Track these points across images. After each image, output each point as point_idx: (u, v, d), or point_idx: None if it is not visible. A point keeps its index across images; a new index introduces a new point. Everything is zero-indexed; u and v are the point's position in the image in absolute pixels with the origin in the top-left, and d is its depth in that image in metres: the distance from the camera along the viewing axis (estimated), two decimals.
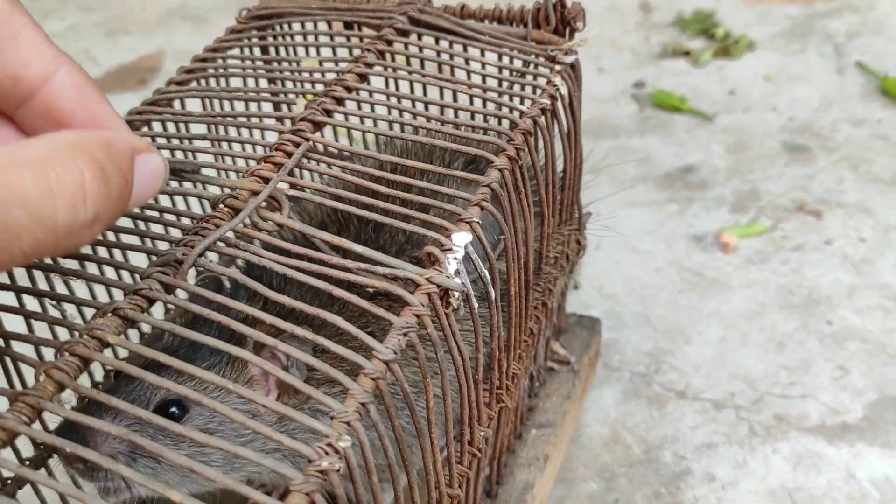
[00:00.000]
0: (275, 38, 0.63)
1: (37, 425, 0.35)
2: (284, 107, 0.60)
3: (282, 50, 0.63)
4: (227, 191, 0.45)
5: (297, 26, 0.63)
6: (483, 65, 0.57)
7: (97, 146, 0.32)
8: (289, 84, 0.56)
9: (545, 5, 0.58)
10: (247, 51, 0.62)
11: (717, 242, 0.89)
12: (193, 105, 0.59)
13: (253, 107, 0.61)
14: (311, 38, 0.63)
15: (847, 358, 0.77)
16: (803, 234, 0.90)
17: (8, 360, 0.49)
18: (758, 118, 1.08)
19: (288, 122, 0.50)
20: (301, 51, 0.64)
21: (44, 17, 1.34)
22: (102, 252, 0.44)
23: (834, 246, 0.88)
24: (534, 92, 0.55)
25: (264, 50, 0.63)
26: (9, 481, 0.42)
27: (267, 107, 0.61)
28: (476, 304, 0.44)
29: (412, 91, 0.60)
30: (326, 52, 0.64)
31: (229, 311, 0.38)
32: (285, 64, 0.59)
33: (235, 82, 0.59)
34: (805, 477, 0.68)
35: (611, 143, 1.04)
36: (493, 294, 0.46)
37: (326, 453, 0.33)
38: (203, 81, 0.58)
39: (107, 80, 1.25)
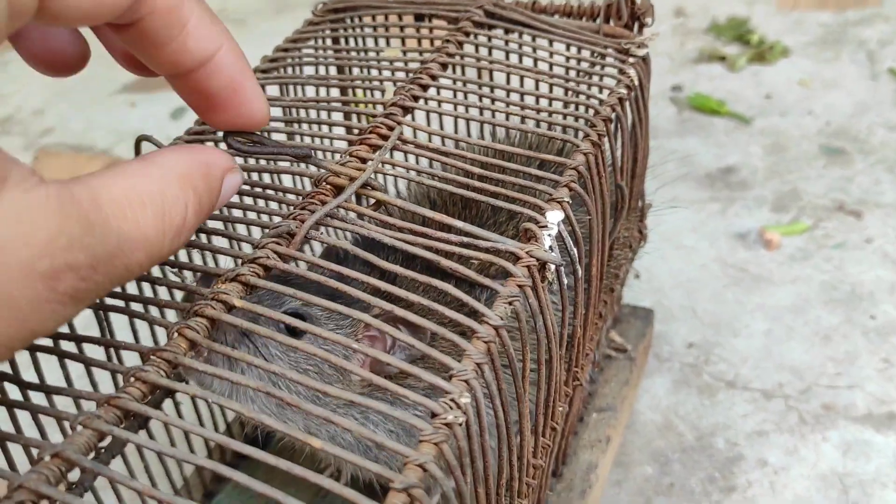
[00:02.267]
0: (345, 29, 0.65)
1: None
2: (351, 92, 0.64)
3: (351, 41, 0.66)
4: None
5: (367, 19, 0.66)
6: (552, 55, 0.59)
7: (200, 178, 0.34)
8: (373, 72, 0.58)
9: (617, 0, 0.60)
10: (319, 41, 0.65)
11: (760, 240, 0.91)
12: (272, 91, 0.61)
13: (325, 92, 0.63)
14: (380, 30, 0.66)
15: (891, 351, 0.79)
16: (844, 232, 0.92)
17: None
18: (794, 122, 1.10)
19: (359, 108, 0.53)
20: (370, 41, 0.66)
21: None
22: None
23: (874, 244, 0.90)
24: (601, 80, 0.57)
25: (335, 41, 0.65)
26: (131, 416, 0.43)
27: (336, 93, 0.65)
28: (566, 280, 0.46)
29: (492, 81, 0.63)
30: (395, 44, 0.67)
31: (351, 282, 0.40)
32: (364, 53, 0.62)
33: (309, 70, 0.61)
34: (854, 463, 0.69)
35: (651, 143, 1.06)
36: (579, 272, 0.48)
37: (451, 408, 0.35)
38: (283, 70, 0.61)
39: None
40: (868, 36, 1.26)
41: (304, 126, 0.59)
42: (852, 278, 0.86)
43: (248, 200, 0.52)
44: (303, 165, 0.49)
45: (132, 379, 0.36)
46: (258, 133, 0.42)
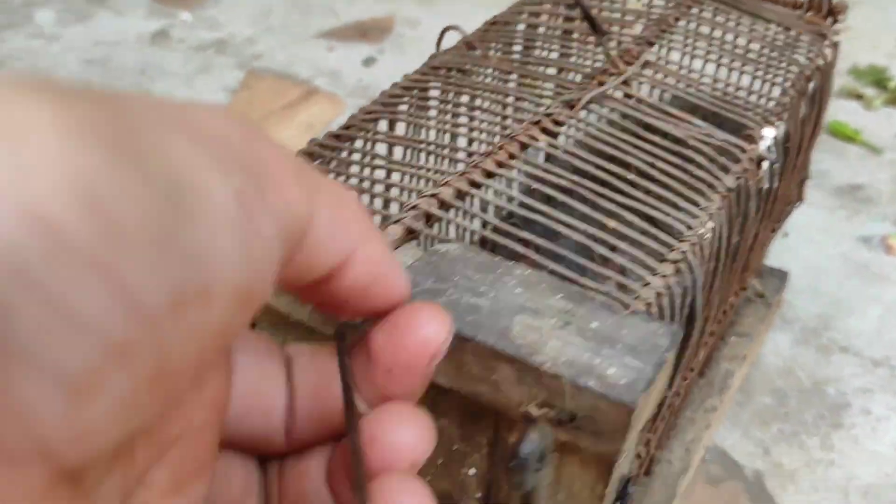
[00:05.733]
0: None
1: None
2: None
3: None
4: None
5: None
6: (766, 28, 0.72)
7: None
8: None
9: None
10: None
11: (882, 245, 1.02)
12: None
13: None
14: None
15: None
16: None
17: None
18: None
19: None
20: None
21: None
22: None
23: None
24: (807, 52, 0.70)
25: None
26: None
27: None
28: (766, 185, 0.59)
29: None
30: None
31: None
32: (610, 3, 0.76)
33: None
34: None
35: None
36: (776, 184, 0.61)
37: (704, 223, 0.49)
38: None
39: (345, 29, 1.44)
40: None
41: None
42: None
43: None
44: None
45: (500, 149, 0.50)
46: None
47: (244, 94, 1.26)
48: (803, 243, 1.03)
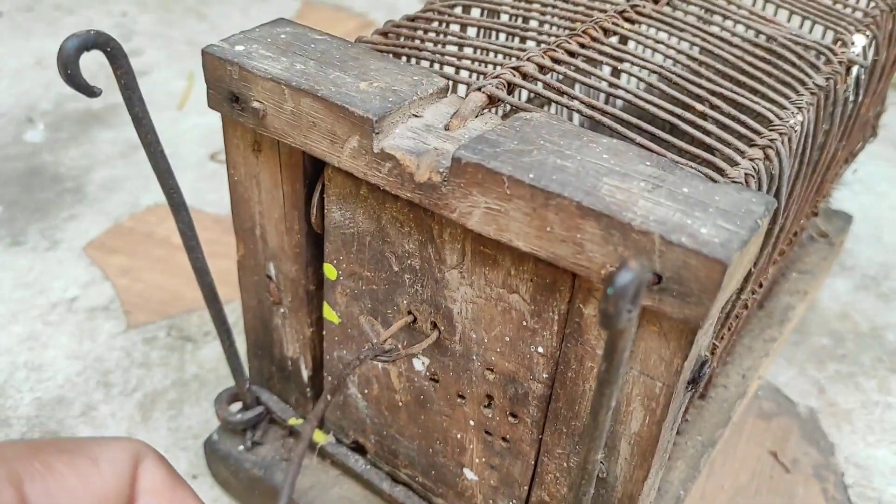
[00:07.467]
0: None
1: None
2: None
3: None
4: None
5: None
6: None
7: None
8: None
9: None
10: None
11: None
12: None
13: None
14: None
15: None
16: None
17: None
18: None
19: None
20: None
21: None
22: None
23: None
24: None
25: None
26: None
27: None
28: (852, 96, 0.57)
29: None
30: None
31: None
32: None
33: None
34: None
35: None
36: (860, 98, 0.59)
37: (793, 115, 0.47)
38: None
39: None
40: None
41: None
42: None
43: None
44: None
45: (584, 32, 0.48)
46: None
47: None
48: (865, 194, 1.00)
